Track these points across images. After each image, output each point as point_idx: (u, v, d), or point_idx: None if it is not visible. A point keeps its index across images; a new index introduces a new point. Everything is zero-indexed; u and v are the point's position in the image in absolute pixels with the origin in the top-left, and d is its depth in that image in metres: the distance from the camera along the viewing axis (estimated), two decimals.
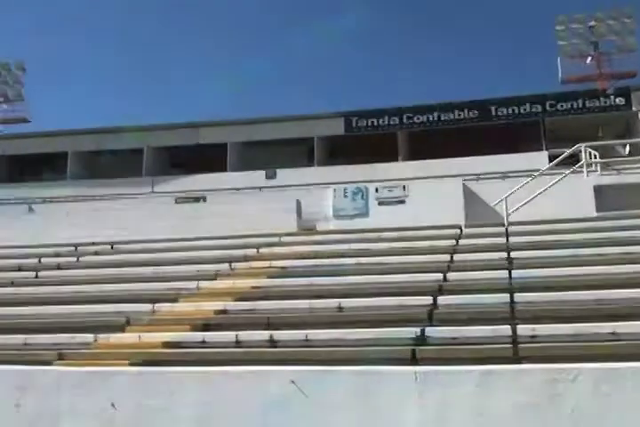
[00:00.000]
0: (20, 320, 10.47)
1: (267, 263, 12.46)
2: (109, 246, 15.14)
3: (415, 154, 25.85)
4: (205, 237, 14.78)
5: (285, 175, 25.34)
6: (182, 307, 10.31)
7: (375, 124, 27.69)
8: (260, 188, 23.79)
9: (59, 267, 13.58)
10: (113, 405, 4.71)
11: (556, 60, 27.73)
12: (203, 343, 8.70)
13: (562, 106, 26.30)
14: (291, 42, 77.64)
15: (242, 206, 18.65)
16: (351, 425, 5.01)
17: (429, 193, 17.23)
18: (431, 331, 7.96)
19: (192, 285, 11.33)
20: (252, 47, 77.49)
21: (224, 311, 9.91)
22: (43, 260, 14.37)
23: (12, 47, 71.99)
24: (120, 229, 17.41)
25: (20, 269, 13.78)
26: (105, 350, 8.68)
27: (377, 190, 18.52)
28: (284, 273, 11.82)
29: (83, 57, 79.34)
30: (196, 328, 9.27)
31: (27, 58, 47.89)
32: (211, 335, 8.86)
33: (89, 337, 9.14)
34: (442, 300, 9.14)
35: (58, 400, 4.84)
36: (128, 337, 9.14)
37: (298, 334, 8.49)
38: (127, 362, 7.62)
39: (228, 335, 8.77)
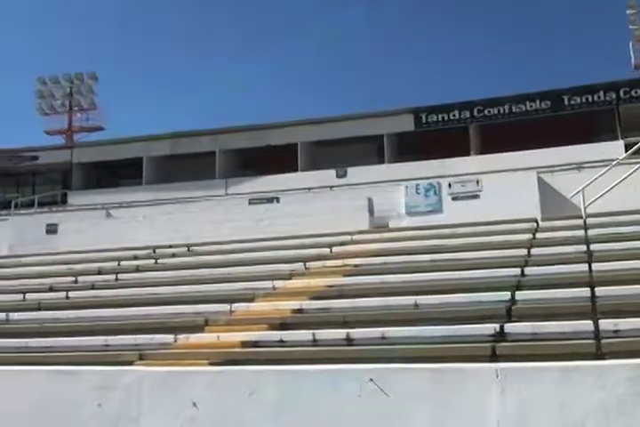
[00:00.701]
0: (101, 322, 10.73)
1: (340, 262, 12.47)
2: (186, 248, 15.40)
3: (487, 147, 25.39)
4: (279, 237, 14.90)
5: (356, 173, 25.27)
6: (259, 307, 10.40)
7: (445, 118, 27.35)
8: (331, 187, 23.80)
9: (137, 269, 13.87)
10: (194, 404, 4.77)
11: (628, 45, 26.88)
12: (280, 342, 8.76)
13: (636, 92, 25.45)
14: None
15: (314, 206, 18.69)
16: (431, 423, 4.94)
17: (503, 187, 16.89)
18: (510, 327, 7.81)
19: (268, 284, 11.42)
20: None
21: (300, 310, 9.95)
22: (122, 263, 14.71)
23: (84, 57, 73.96)
24: (195, 231, 17.70)
25: (100, 272, 14.11)
26: (184, 350, 8.84)
27: (450, 186, 18.27)
28: (358, 271, 11.81)
29: (153, 63, 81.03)
30: (273, 327, 9.34)
31: (99, 67, 49.24)
32: (288, 334, 8.90)
33: (169, 338, 9.32)
34: (520, 295, 8.95)
35: (139, 400, 4.93)
36: (207, 337, 9.27)
37: (374, 332, 8.46)
38: (207, 362, 7.73)
39: (305, 334, 8.81)
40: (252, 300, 10.68)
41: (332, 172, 25.99)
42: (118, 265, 14.60)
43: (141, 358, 8.58)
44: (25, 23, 77.98)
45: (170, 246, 15.65)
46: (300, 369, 4.95)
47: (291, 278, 11.80)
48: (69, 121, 37.08)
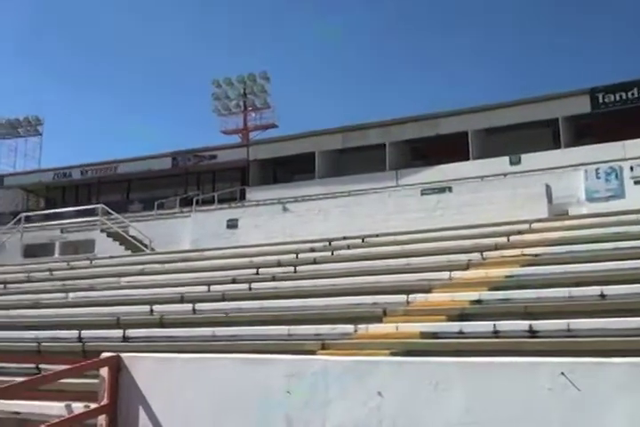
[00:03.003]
0: (283, 312, 10.99)
1: (518, 251, 12.11)
2: (360, 240, 15.54)
3: None
4: (454, 227, 14.71)
5: (530, 160, 24.44)
6: (436, 297, 10.30)
7: (624, 97, 25.80)
8: (505, 174, 23.18)
9: (315, 261, 14.13)
10: (379, 393, 4.79)
11: None
12: (460, 333, 8.63)
13: None
14: None
15: (488, 194, 18.33)
16: (628, 420, 4.68)
17: None
18: None
19: (444, 275, 11.29)
20: None
21: (479, 301, 9.74)
22: (300, 255, 15.05)
23: (257, 58, 76.69)
24: (368, 223, 17.87)
25: (279, 264, 14.47)
26: (365, 340, 8.93)
27: (632, 169, 17.32)
28: (538, 261, 11.41)
29: (320, 63, 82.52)
30: (451, 318, 9.22)
31: (271, 67, 50.91)
32: (467, 325, 8.76)
33: (349, 328, 9.44)
34: None
35: (326, 387, 5.01)
36: (386, 327, 9.29)
37: (559, 324, 8.13)
38: (387, 352, 7.78)
39: (486, 325, 8.61)
40: (429, 291, 10.59)
41: (505, 159, 25.31)
42: (296, 257, 14.94)
43: (324, 347, 8.77)
44: (197, 29, 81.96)
45: (344, 238, 15.86)
46: (487, 361, 4.84)
47: (468, 269, 11.59)
48: (244, 120, 38.62)
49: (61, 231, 24.79)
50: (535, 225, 14.16)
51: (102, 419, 6.48)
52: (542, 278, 10.24)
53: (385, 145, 29.19)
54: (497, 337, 8.39)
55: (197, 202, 28.91)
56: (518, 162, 24.87)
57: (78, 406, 6.81)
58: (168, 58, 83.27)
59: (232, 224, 21.30)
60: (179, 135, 79.97)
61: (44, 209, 33.96)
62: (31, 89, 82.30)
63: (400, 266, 12.44)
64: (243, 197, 31.09)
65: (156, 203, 29.08)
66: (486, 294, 9.89)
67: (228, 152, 33.59)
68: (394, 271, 12.01)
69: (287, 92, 75.39)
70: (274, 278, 13.33)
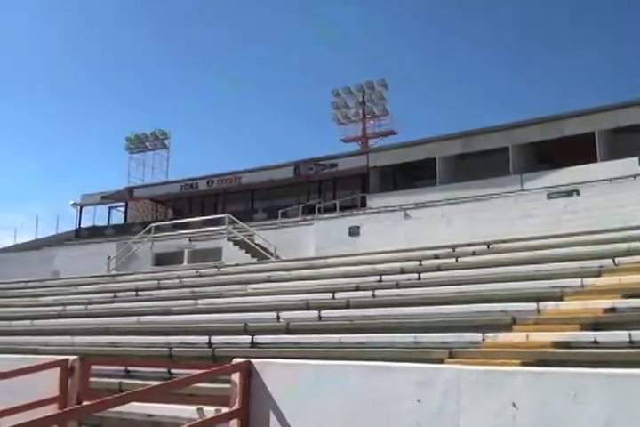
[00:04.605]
0: (408, 320, 10.91)
1: None
2: (486, 246, 15.22)
3: None
4: (584, 231, 14.16)
5: None
6: (568, 305, 9.95)
7: None
8: (635, 176, 22.17)
9: (439, 268, 13.94)
10: (514, 404, 4.66)
11: None
12: (594, 343, 8.32)
13: None
14: None
15: (618, 197, 17.60)
16: None
17: None
18: None
19: (576, 282, 10.85)
20: None
21: (613, 309, 9.33)
22: (423, 262, 14.89)
23: (374, 66, 76.88)
24: (493, 228, 17.52)
25: (402, 271, 14.36)
26: (494, 349, 8.74)
27: None
28: None
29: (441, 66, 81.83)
30: (584, 327, 8.89)
31: (389, 74, 50.95)
32: (602, 335, 8.43)
33: (477, 336, 9.27)
34: None
35: (458, 397, 4.92)
36: (515, 336, 9.07)
37: None
38: (518, 362, 7.60)
39: (621, 335, 8.29)
40: (560, 298, 10.24)
41: (635, 159, 24.20)
42: (420, 264, 14.79)
43: (451, 355, 8.67)
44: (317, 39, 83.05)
45: (469, 245, 15.57)
46: (628, 373, 4.62)
47: (600, 275, 11.13)
48: (363, 128, 38.86)
49: (189, 240, 25.65)
50: None
51: (234, 423, 6.62)
52: None
53: (508, 148, 28.57)
54: (633, 347, 8.03)
55: (319, 210, 29.26)
56: None
57: (209, 410, 6.99)
58: (292, 66, 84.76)
59: (354, 231, 21.41)
60: (300, 145, 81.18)
61: (172, 219, 35.26)
62: (155, 101, 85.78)
63: (529, 272, 12.06)
64: (363, 204, 31.22)
65: (279, 211, 29.62)
66: (620, 302, 9.47)
67: (348, 160, 33.84)
68: (522, 278, 11.67)
69: (405, 99, 75.10)
70: (397, 286, 13.25)
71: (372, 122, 38.96)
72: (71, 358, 7.51)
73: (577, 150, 25.73)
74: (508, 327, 9.47)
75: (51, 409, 7.13)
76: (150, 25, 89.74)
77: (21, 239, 38.75)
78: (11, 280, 23.65)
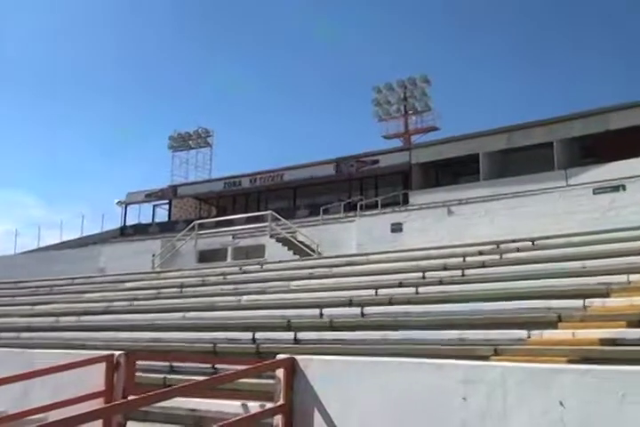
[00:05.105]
0: (452, 317, 10.85)
1: None
2: (530, 242, 15.03)
3: None
4: (630, 227, 13.88)
5: None
6: (615, 302, 9.77)
7: None
8: None
9: (483, 265, 13.80)
10: (561, 403, 4.58)
11: None
12: None
13: None
14: None
15: None
16: None
17: None
18: None
19: (622, 278, 10.66)
20: None
21: None
22: (467, 258, 14.77)
23: (418, 62, 76.46)
24: (537, 224, 17.26)
25: (445, 268, 14.27)
26: (539, 347, 8.64)
27: None
28: None
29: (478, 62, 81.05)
30: (632, 324, 8.73)
31: (431, 70, 50.67)
32: None
33: (522, 333, 9.17)
34: None
35: (504, 395, 4.85)
36: (561, 333, 8.96)
37: None
38: (564, 359, 7.48)
39: None
40: (606, 295, 10.06)
41: None
42: (463, 261, 14.68)
43: (496, 353, 8.58)
44: (361, 37, 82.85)
45: (513, 241, 15.40)
46: None
47: None
48: (405, 124, 38.70)
49: (233, 237, 25.79)
50: None
51: (278, 419, 6.63)
52: None
53: (552, 143, 28.17)
54: None
55: (361, 207, 29.19)
56: None
57: (254, 406, 7.01)
58: (333, 63, 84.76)
59: (396, 228, 21.29)
60: (340, 141, 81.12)
61: (215, 216, 35.54)
62: (199, 100, 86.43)
63: (575, 269, 11.87)
64: (405, 200, 31.06)
65: (321, 208, 29.64)
66: None
67: (389, 156, 33.72)
68: (568, 275, 11.49)
69: (448, 94, 74.46)
70: (441, 282, 13.18)
71: (413, 118, 38.77)
72: (117, 353, 7.59)
73: (622, 144, 25.25)
74: (553, 324, 9.35)
75: (97, 403, 7.21)
76: (196, 25, 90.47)
77: (67, 237, 39.40)
78: (57, 277, 24.06)
